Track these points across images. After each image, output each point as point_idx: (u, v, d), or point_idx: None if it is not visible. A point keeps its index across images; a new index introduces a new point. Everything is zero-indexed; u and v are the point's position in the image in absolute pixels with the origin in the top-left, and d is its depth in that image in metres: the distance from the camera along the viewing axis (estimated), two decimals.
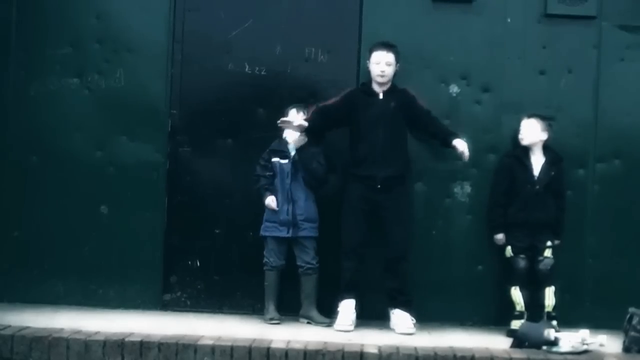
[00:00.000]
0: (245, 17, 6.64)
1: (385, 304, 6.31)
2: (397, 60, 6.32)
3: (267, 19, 6.64)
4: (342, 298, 6.25)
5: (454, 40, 6.60)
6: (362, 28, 6.61)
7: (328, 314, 6.28)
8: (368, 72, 6.39)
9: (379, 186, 6.22)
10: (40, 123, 6.64)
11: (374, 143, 6.24)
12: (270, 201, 6.31)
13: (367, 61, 6.37)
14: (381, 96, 6.34)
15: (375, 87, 6.36)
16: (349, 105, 6.31)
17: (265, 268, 6.36)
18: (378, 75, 6.30)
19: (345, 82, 6.53)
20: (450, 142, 6.25)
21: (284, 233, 6.33)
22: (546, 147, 6.44)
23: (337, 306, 6.24)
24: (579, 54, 6.62)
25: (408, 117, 6.33)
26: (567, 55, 6.61)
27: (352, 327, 6.14)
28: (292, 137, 6.36)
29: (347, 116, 6.32)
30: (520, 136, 6.43)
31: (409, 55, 6.45)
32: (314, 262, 6.32)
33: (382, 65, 6.29)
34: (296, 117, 6.34)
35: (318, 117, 6.29)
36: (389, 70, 6.32)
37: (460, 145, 6.22)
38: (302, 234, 6.34)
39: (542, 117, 6.42)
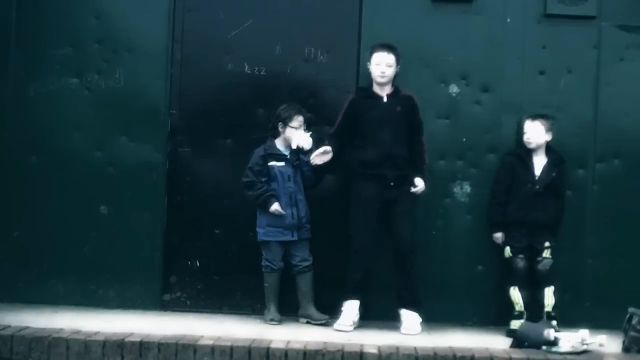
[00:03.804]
0: (245, 17, 6.64)
1: (391, 302, 6.28)
2: (398, 61, 6.31)
3: (267, 19, 6.64)
4: (347, 298, 6.23)
5: (453, 40, 6.60)
6: (362, 28, 6.61)
7: (327, 313, 6.28)
8: (369, 74, 6.37)
9: (392, 184, 6.22)
10: (40, 123, 6.64)
11: (380, 146, 6.23)
12: (278, 207, 6.26)
13: (368, 62, 6.36)
14: (385, 99, 6.32)
15: (377, 89, 6.34)
16: (352, 115, 6.29)
17: (266, 271, 6.34)
18: (378, 76, 6.29)
19: (345, 82, 6.54)
20: (413, 178, 6.24)
21: (288, 237, 6.31)
22: (549, 148, 6.43)
23: (341, 305, 6.21)
24: (579, 54, 6.62)
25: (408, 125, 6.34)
26: (567, 55, 6.61)
27: (351, 328, 6.13)
28: (298, 141, 6.29)
29: (355, 125, 6.31)
30: (526, 139, 6.39)
31: (408, 55, 6.44)
32: (309, 259, 6.32)
33: (382, 66, 6.28)
34: (302, 121, 6.32)
35: (336, 141, 6.28)
36: (390, 72, 6.30)
37: (419, 182, 6.24)
38: (303, 235, 6.34)
39: (545, 117, 6.40)
